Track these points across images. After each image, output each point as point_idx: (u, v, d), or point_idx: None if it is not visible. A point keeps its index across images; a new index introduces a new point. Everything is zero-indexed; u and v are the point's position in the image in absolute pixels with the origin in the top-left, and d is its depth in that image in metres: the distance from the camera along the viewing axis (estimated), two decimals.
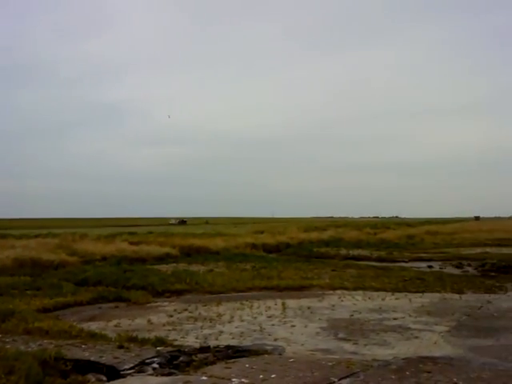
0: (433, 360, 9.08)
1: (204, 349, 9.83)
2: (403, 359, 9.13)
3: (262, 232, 56.84)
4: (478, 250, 38.29)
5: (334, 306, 14.93)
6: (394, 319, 12.92)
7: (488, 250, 37.94)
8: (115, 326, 12.49)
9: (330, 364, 8.72)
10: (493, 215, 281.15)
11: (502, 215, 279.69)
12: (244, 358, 9.06)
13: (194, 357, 9.18)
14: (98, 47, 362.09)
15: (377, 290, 17.93)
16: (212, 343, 10.33)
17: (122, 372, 8.26)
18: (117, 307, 15.30)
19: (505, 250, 36.79)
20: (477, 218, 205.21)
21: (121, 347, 9.56)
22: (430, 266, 28.17)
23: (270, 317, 13.30)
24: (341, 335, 11.24)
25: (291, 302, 15.43)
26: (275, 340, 10.81)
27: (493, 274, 24.15)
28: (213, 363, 8.75)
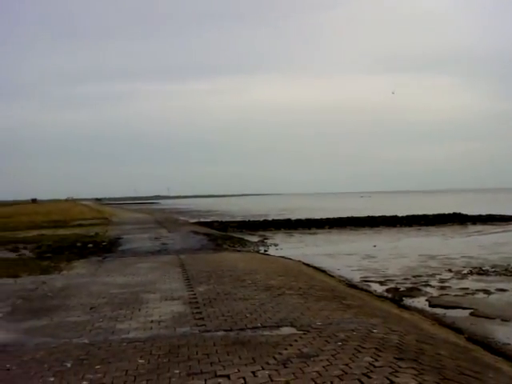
0: None
1: None
2: None
3: None
4: (35, 232, 38.41)
5: None
6: None
7: (44, 232, 38.47)
8: None
9: None
10: (50, 197, 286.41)
11: (58, 197, 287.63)
12: None
13: None
14: None
15: None
16: None
17: None
18: None
19: (60, 232, 38.04)
20: (34, 201, 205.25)
21: None
22: None
23: None
24: None
25: None
26: None
27: (48, 255, 24.70)
28: None
